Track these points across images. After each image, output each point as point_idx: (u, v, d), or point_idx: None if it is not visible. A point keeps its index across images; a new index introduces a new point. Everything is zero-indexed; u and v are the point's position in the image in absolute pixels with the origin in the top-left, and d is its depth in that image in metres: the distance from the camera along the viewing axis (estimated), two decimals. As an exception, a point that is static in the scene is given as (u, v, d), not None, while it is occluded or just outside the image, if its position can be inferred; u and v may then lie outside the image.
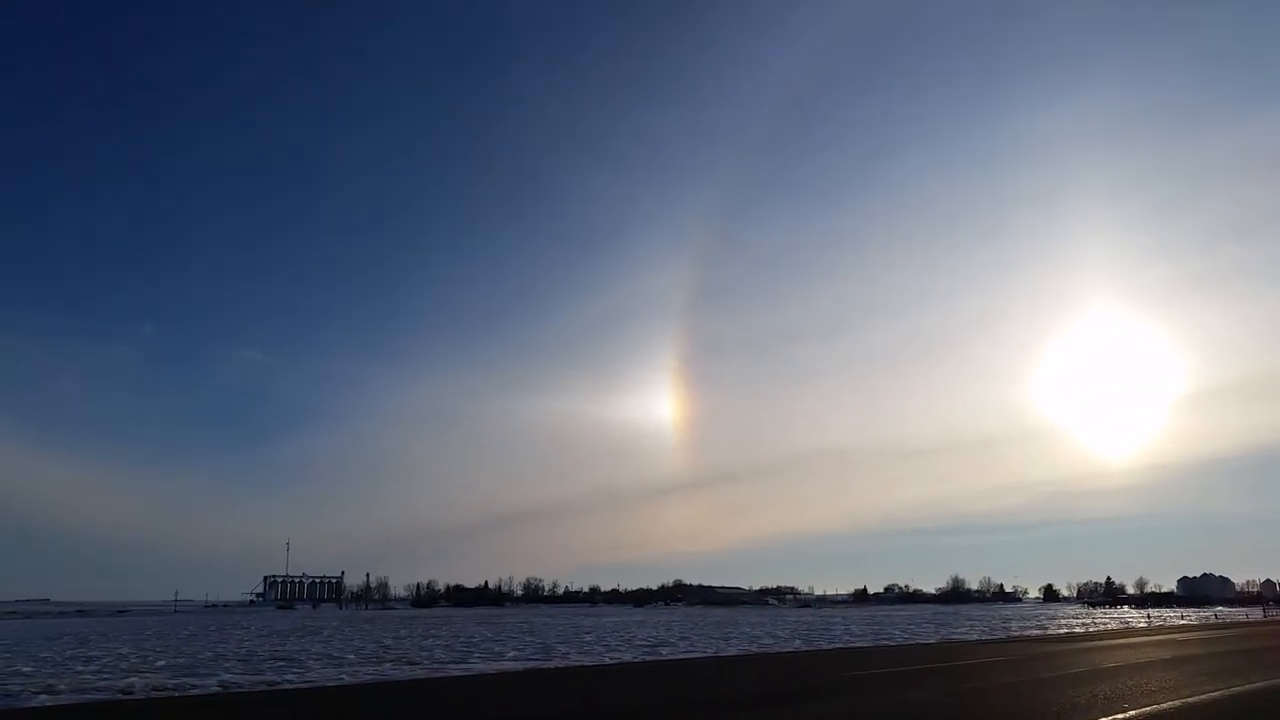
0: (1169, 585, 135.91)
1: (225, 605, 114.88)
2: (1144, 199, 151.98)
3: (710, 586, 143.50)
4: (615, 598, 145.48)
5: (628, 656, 18.82)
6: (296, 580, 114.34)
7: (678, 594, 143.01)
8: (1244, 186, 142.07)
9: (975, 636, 26.87)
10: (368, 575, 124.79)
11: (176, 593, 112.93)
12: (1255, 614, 60.09)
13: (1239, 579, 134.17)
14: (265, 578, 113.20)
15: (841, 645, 22.57)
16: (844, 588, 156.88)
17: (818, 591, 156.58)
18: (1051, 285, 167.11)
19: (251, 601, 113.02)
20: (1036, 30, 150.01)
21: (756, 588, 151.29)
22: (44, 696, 11.74)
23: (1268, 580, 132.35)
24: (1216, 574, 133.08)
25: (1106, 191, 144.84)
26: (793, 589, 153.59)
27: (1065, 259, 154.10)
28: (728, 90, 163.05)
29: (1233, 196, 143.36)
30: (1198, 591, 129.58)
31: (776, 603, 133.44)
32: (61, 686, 12.81)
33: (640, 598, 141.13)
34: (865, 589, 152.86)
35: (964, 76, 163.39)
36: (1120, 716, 8.62)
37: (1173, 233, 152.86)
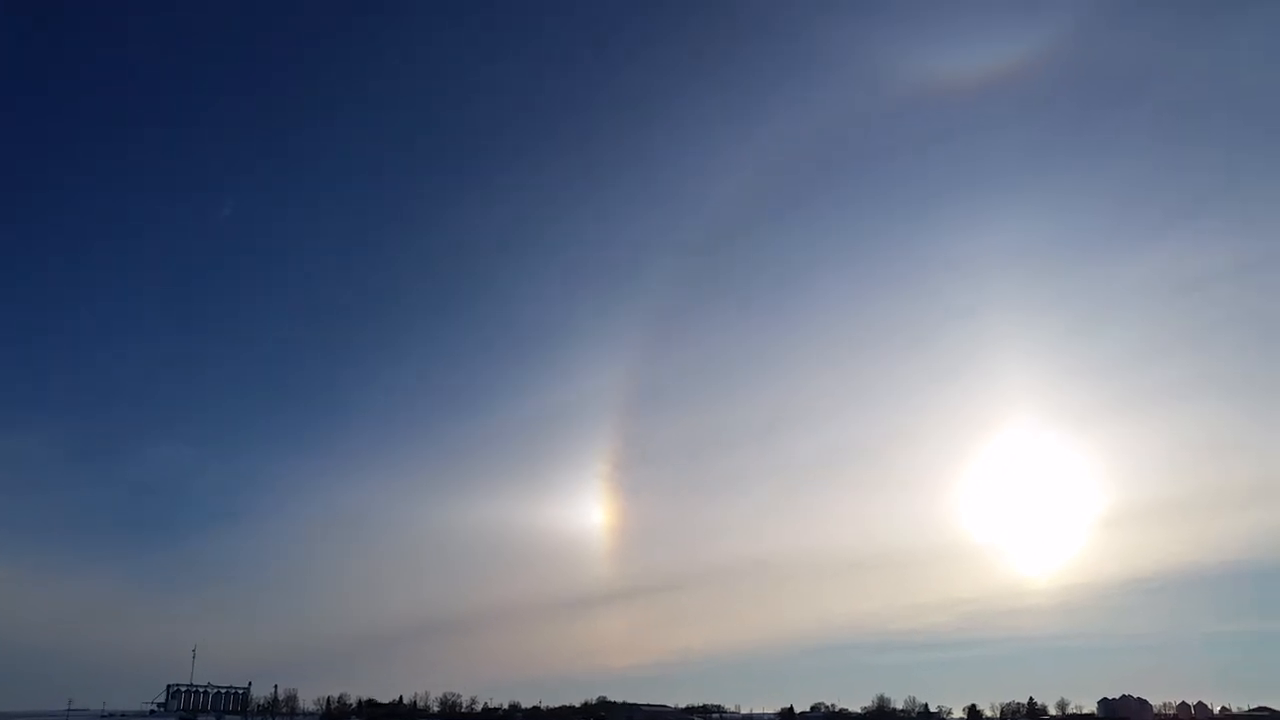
0: (1090, 706, 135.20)
1: (123, 715, 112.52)
2: (1064, 320, 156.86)
3: (635, 704, 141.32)
4: (536, 716, 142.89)
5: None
6: (201, 690, 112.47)
7: (602, 711, 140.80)
8: (1160, 309, 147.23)
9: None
10: (275, 687, 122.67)
11: (70, 701, 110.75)
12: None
13: (1157, 700, 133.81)
14: (168, 687, 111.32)
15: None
16: (770, 705, 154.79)
17: (744, 709, 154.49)
18: (974, 400, 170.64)
19: (151, 712, 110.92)
20: (962, 158, 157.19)
21: (683, 705, 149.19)
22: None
23: (1183, 703, 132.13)
24: (1135, 695, 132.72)
25: (1027, 312, 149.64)
26: (719, 707, 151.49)
27: (987, 375, 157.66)
28: (666, 202, 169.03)
29: (1149, 319, 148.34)
30: (1117, 713, 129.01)
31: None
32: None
33: (563, 716, 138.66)
34: (792, 707, 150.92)
35: (893, 197, 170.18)
36: None
37: (1091, 353, 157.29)
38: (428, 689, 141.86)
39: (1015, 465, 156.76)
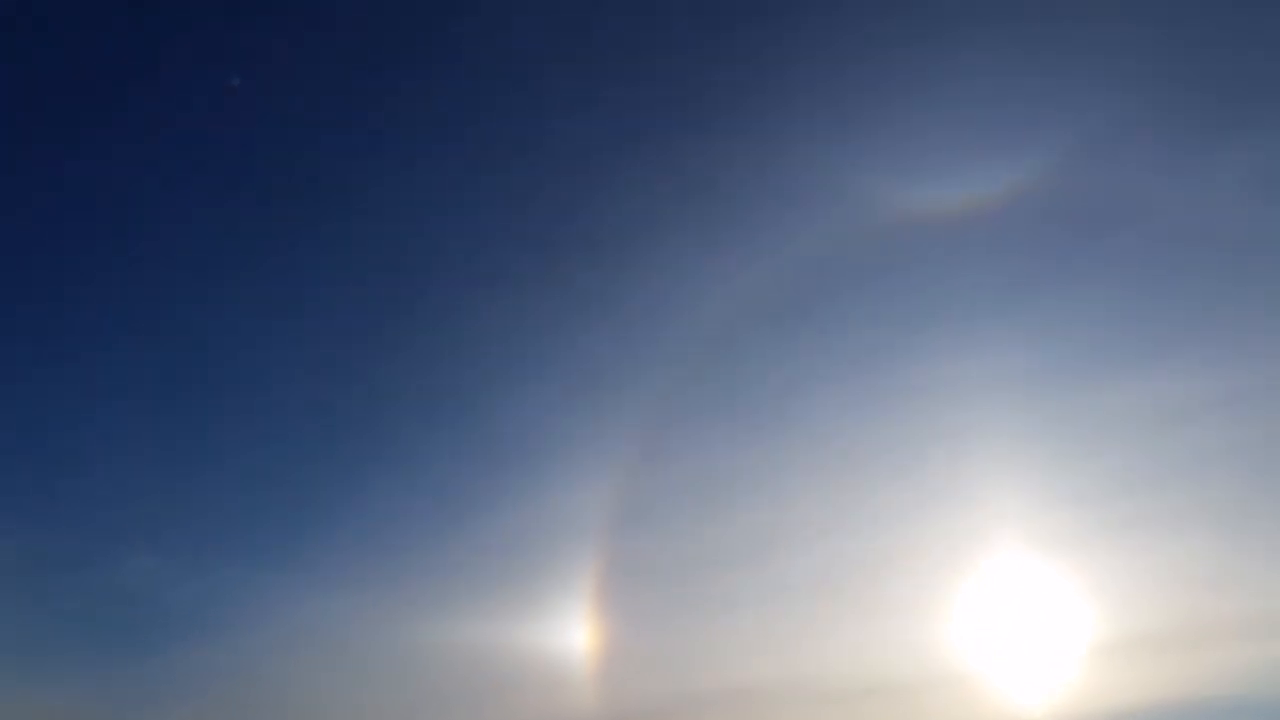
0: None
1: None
2: (1050, 446, 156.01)
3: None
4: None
5: None
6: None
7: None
8: (1148, 438, 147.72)
9: None
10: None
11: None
12: None
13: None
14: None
15: None
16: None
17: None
18: (962, 524, 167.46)
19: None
20: (948, 284, 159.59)
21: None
22: None
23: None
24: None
25: (1013, 437, 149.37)
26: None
27: (974, 499, 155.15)
28: (657, 318, 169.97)
29: (1137, 447, 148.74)
30: None
31: None
32: None
33: None
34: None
35: (880, 320, 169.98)
36: None
37: (1079, 480, 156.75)
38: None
39: (1004, 591, 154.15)
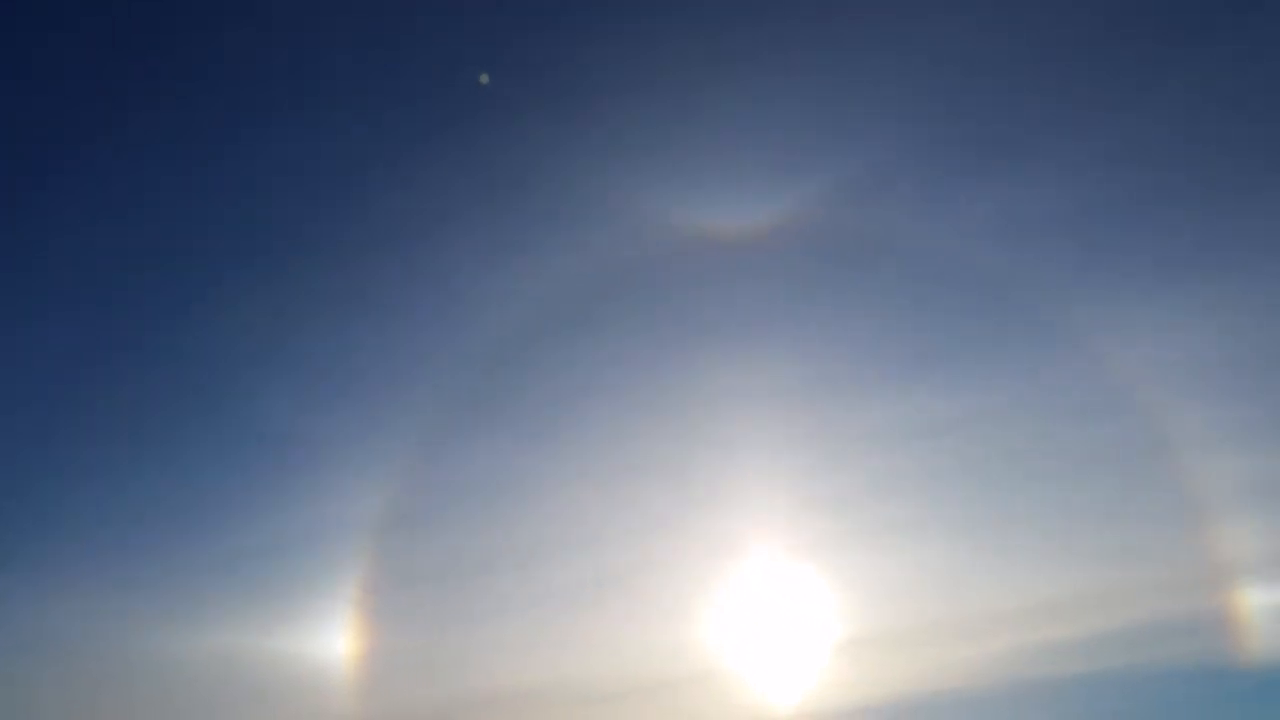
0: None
1: None
2: (809, 456, 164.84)
3: None
4: None
5: None
6: None
7: None
8: (894, 452, 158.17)
9: None
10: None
11: None
12: None
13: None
14: None
15: None
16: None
17: None
18: (724, 529, 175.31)
19: None
20: (724, 303, 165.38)
21: None
22: None
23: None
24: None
25: (775, 447, 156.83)
26: None
27: (738, 505, 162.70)
28: (442, 320, 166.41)
29: (884, 460, 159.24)
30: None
31: None
32: None
33: None
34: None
35: (660, 335, 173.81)
36: None
37: (831, 488, 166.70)
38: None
39: (760, 593, 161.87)
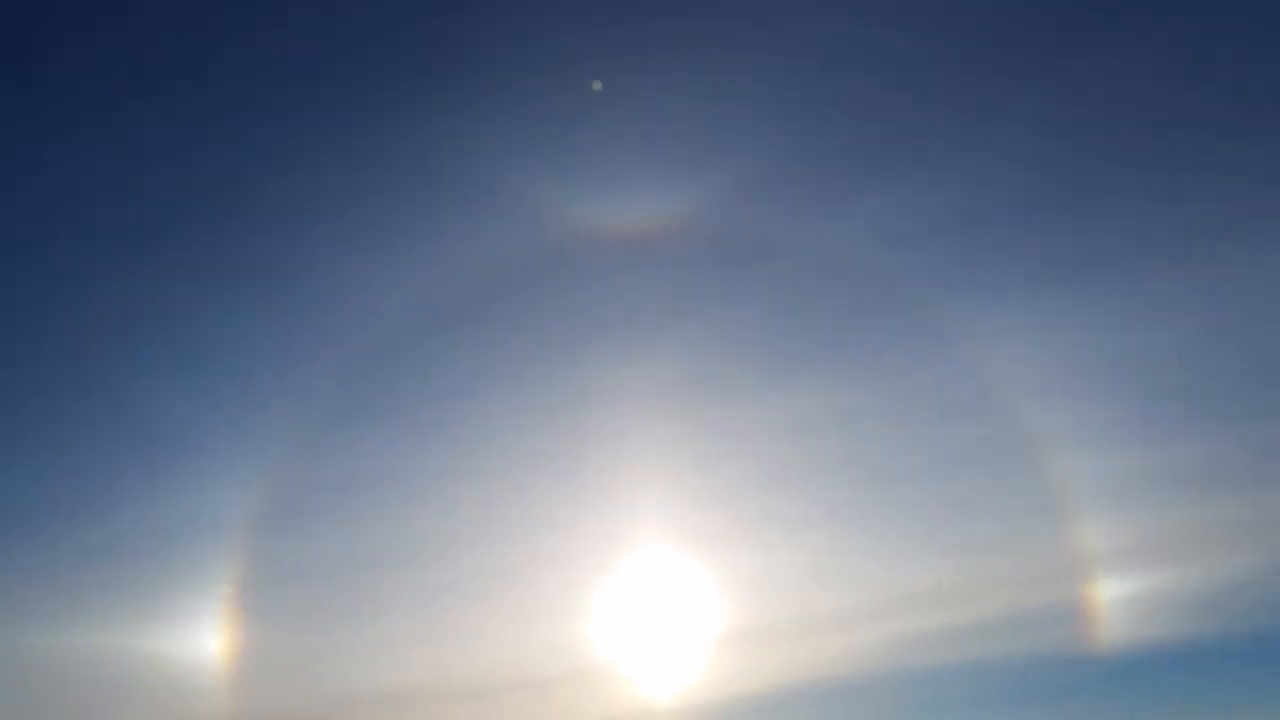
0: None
1: None
2: (694, 451, 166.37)
3: None
4: None
5: None
6: None
7: None
8: (774, 447, 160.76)
9: None
10: None
11: None
12: None
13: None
14: None
15: None
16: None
17: None
18: (611, 523, 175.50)
19: None
20: (616, 298, 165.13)
21: None
22: None
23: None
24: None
25: (663, 442, 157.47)
26: None
27: (625, 500, 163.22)
28: (323, 312, 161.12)
29: (765, 456, 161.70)
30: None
31: None
32: None
33: None
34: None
35: (553, 328, 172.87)
36: None
37: (715, 483, 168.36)
38: None
39: (645, 587, 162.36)
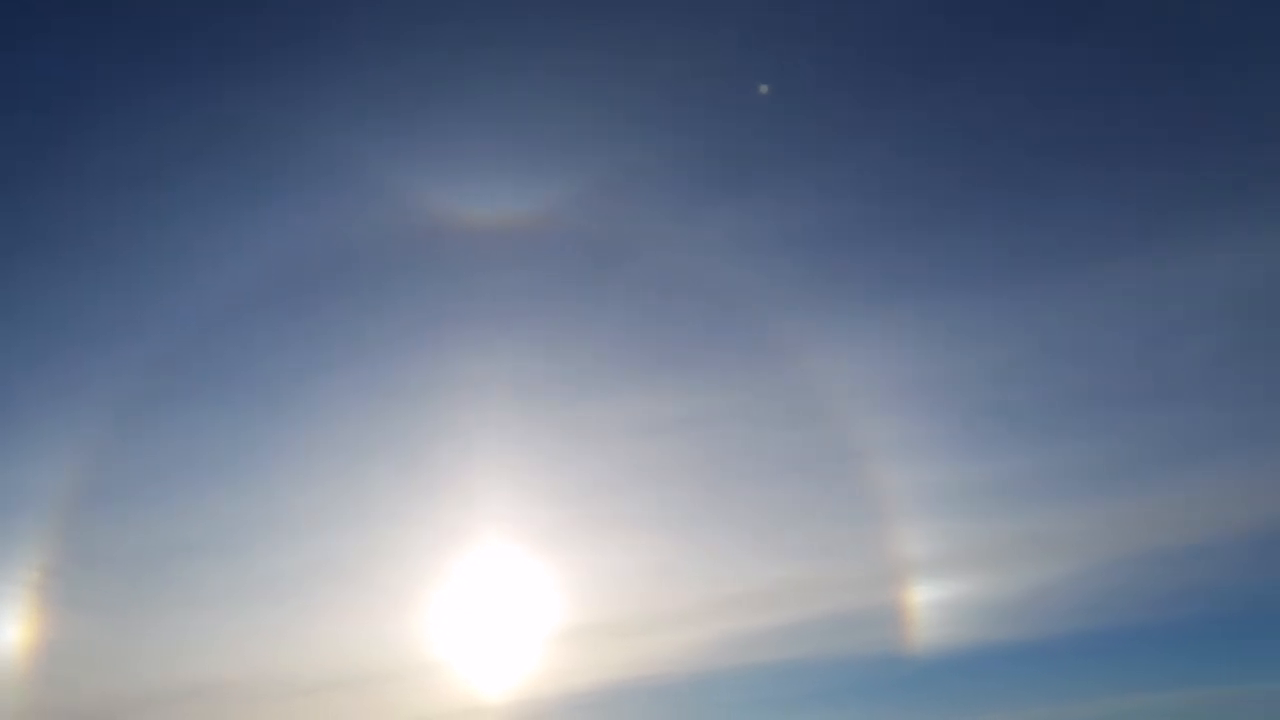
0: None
1: None
2: (543, 449, 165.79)
3: None
4: None
5: None
6: None
7: None
8: (620, 449, 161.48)
9: None
10: None
11: None
12: None
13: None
14: None
15: None
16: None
17: None
18: (455, 517, 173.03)
19: None
20: (473, 289, 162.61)
21: None
22: None
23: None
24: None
25: (513, 439, 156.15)
26: None
27: (471, 495, 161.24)
28: (147, 287, 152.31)
29: (611, 456, 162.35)
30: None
31: None
32: None
33: None
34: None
35: (402, 317, 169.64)
36: None
37: (562, 481, 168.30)
38: None
39: (484, 584, 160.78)
